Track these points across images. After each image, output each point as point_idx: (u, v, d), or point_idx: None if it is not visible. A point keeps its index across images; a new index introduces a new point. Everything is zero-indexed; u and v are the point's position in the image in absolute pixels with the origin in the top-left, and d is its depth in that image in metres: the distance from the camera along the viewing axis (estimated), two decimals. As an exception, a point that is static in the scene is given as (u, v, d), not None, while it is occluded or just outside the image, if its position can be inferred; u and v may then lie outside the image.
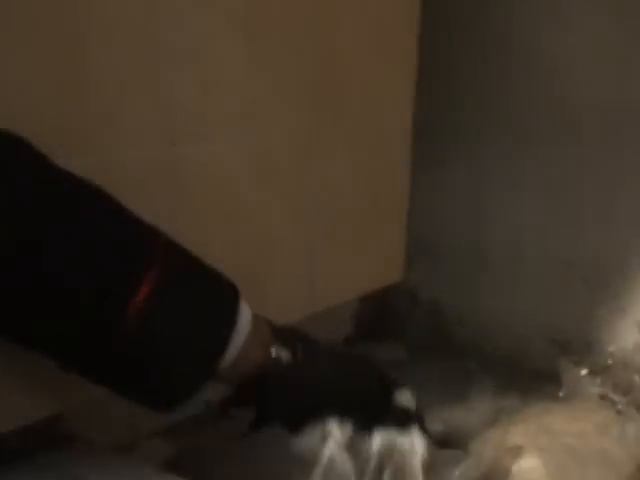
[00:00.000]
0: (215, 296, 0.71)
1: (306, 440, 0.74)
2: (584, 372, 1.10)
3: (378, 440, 0.75)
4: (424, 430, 0.79)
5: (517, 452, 0.90)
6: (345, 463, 0.74)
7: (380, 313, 1.31)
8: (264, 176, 0.95)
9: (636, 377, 1.08)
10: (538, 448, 0.89)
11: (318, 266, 1.04)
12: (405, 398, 0.81)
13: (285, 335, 0.75)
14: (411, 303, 1.30)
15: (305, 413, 0.75)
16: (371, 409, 0.78)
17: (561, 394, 1.08)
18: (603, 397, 1.03)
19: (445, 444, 0.96)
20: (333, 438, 0.73)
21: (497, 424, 0.97)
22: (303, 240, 1.02)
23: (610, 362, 1.11)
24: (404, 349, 1.25)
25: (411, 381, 1.14)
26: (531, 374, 1.18)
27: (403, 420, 0.78)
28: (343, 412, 0.75)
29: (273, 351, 0.73)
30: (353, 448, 0.74)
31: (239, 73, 0.91)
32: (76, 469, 0.75)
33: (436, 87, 1.24)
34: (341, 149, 1.09)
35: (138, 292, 0.63)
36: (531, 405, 1.03)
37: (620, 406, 1.04)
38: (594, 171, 1.18)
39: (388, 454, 0.76)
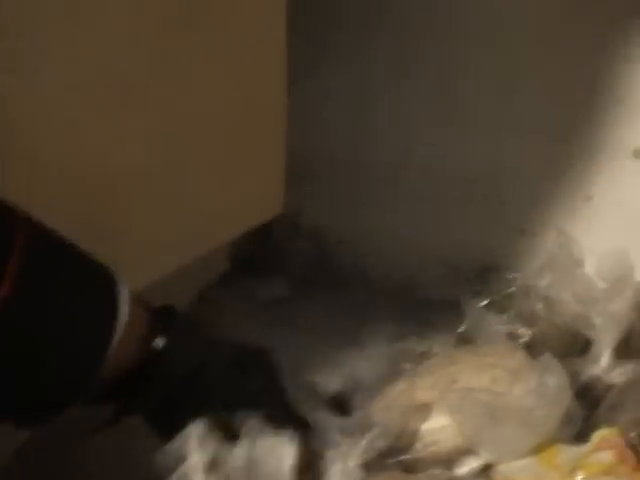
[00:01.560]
0: (91, 286, 0.63)
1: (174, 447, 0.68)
2: (484, 302, 1.02)
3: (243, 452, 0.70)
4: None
5: (425, 411, 0.81)
6: None
7: (258, 245, 1.18)
8: (110, 107, 0.81)
9: (539, 305, 1.00)
10: (448, 405, 0.80)
11: (185, 209, 0.90)
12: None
13: (166, 324, 0.68)
14: (292, 232, 1.18)
15: (176, 413, 0.69)
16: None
17: (462, 329, 1.00)
18: (510, 334, 0.95)
19: (342, 404, 0.86)
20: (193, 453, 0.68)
21: (399, 376, 0.88)
22: (165, 179, 0.88)
23: (512, 289, 1.03)
24: (287, 284, 1.14)
25: (297, 321, 1.05)
26: (427, 304, 1.09)
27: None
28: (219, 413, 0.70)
29: (154, 343, 0.67)
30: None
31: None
32: None
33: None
34: (204, 68, 0.94)
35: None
36: (431, 345, 0.95)
37: (525, 339, 0.97)
38: (488, 75, 1.08)
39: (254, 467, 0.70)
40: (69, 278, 0.61)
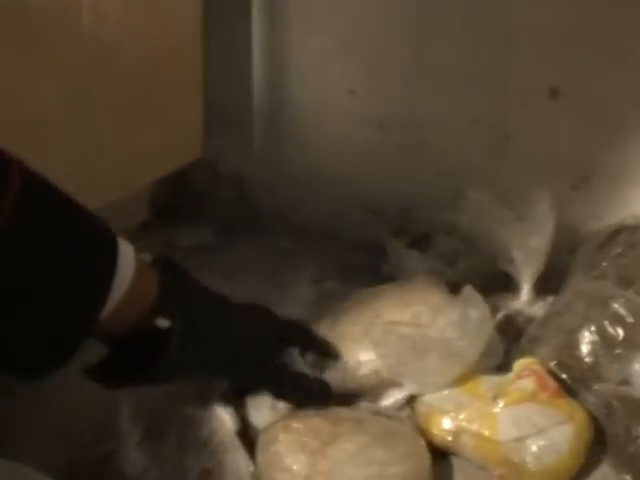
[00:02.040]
0: (89, 238, 0.59)
1: None
2: (406, 243, 1.02)
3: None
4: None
5: (350, 347, 0.82)
6: None
7: (179, 192, 1.17)
8: (19, 44, 0.77)
9: (460, 244, 1.01)
10: (372, 339, 0.81)
11: (103, 152, 0.88)
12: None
13: (172, 295, 0.65)
14: (213, 179, 1.17)
15: None
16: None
17: (385, 269, 1.00)
18: (432, 273, 0.95)
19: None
20: None
21: (323, 313, 0.88)
22: (81, 122, 0.86)
23: (431, 230, 1.04)
24: (210, 231, 1.13)
25: (220, 268, 1.04)
26: (349, 248, 1.09)
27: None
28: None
29: (155, 320, 0.64)
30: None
31: None
32: None
33: None
34: (121, 10, 0.92)
35: None
36: (354, 286, 0.94)
37: (447, 277, 0.98)
38: (407, 21, 1.07)
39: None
40: (66, 228, 0.57)
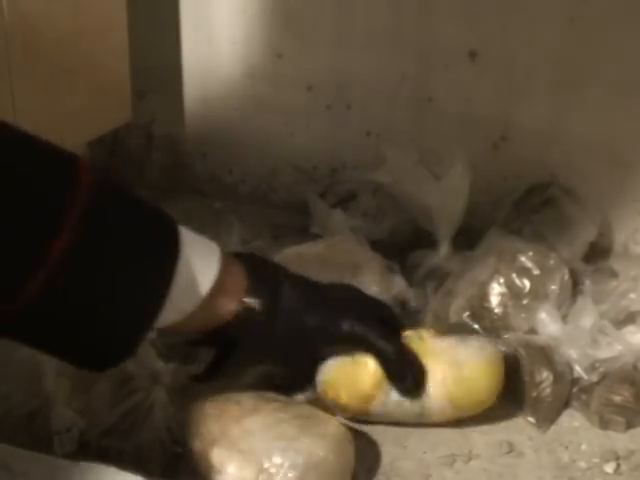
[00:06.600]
0: (150, 254, 0.61)
1: None
2: (332, 203, 1.06)
3: None
4: None
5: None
6: None
7: (112, 156, 1.19)
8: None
9: (384, 202, 1.05)
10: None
11: (29, 116, 0.89)
12: None
13: (261, 278, 0.69)
14: (145, 142, 1.19)
15: None
16: None
17: (312, 229, 1.04)
18: (357, 231, 0.99)
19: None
20: None
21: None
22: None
23: (357, 190, 1.07)
24: (143, 193, 1.15)
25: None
26: (280, 209, 1.13)
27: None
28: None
29: (246, 301, 0.68)
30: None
31: None
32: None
33: None
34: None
35: (58, 237, 0.55)
36: (283, 245, 0.97)
37: (372, 236, 1.01)
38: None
39: None
40: (127, 243, 0.59)
